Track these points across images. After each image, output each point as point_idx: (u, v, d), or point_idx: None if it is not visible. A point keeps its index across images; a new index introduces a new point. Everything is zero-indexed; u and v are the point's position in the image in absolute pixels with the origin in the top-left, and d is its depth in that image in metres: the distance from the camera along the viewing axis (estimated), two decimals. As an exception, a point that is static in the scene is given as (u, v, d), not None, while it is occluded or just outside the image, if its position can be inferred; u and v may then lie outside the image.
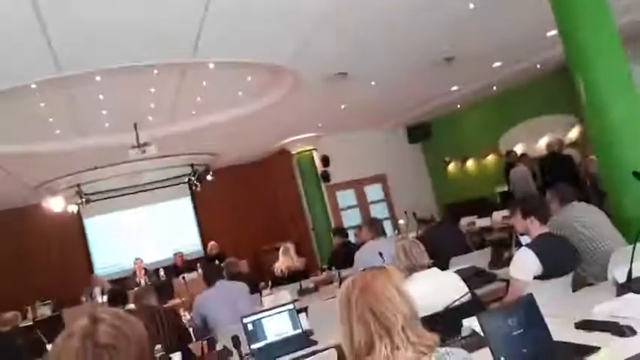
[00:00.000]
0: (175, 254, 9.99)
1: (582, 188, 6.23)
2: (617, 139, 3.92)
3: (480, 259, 4.23)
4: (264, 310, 3.40)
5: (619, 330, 1.84)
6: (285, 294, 4.60)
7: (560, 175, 5.65)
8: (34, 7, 3.19)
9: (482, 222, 7.82)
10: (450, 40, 5.86)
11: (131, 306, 3.97)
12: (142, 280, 9.08)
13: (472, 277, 3.46)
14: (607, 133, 3.99)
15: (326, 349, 2.81)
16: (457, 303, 2.61)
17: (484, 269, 3.81)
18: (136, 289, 4.27)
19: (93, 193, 9.58)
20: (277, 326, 3.29)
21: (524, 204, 3.00)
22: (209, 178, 9.76)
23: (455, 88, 8.56)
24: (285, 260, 6.17)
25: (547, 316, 1.94)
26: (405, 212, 7.07)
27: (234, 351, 3.03)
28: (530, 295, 2.04)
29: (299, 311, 3.47)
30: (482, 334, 1.93)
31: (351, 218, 10.43)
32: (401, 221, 8.67)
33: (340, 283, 5.04)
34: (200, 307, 4.25)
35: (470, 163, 10.71)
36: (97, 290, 8.58)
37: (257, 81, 6.34)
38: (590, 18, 4.00)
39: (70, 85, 4.90)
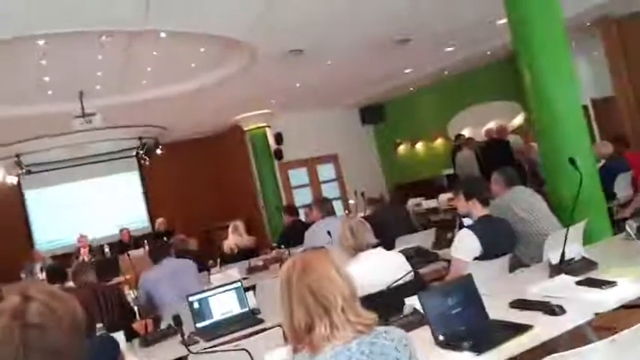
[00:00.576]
0: (121, 230, 9.71)
1: (521, 173, 6.51)
2: (558, 128, 4.10)
3: (425, 239, 4.36)
4: (211, 289, 3.38)
5: (550, 309, 1.95)
6: (233, 272, 4.58)
7: (497, 160, 5.85)
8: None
9: (428, 203, 8.08)
10: (405, 21, 5.90)
11: (71, 284, 3.84)
12: (85, 257, 8.80)
13: (415, 257, 3.57)
14: (549, 121, 4.16)
15: (273, 327, 2.83)
16: (400, 282, 2.68)
17: (427, 249, 3.94)
18: (73, 265, 4.11)
19: (34, 165, 9.11)
20: (224, 305, 3.27)
21: (467, 186, 3.11)
22: (158, 152, 9.50)
23: (408, 70, 8.67)
24: (234, 238, 6.13)
25: (484, 296, 2.03)
26: (355, 192, 7.17)
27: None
28: (469, 275, 2.13)
29: (246, 289, 3.47)
30: (422, 312, 2.01)
31: (303, 197, 10.46)
32: (351, 201, 8.80)
33: (290, 261, 5.08)
34: (145, 284, 4.16)
35: (420, 146, 10.96)
36: (37, 266, 8.24)
37: (211, 53, 6.16)
38: (538, 8, 4.12)
39: (11, 48, 4.58)
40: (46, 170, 9.86)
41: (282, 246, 5.75)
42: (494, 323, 1.96)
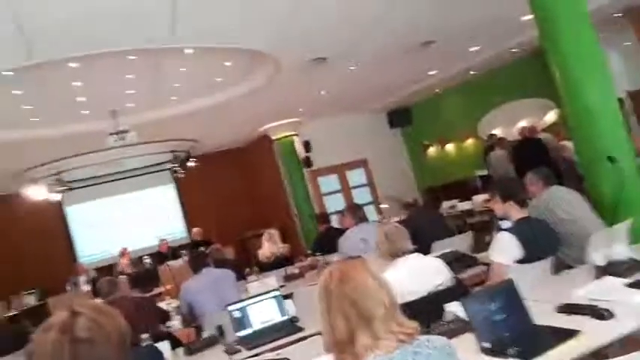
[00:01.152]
0: (160, 241, 9.95)
1: (557, 172, 6.35)
2: (592, 124, 3.98)
3: (461, 243, 4.30)
4: (249, 297, 3.42)
5: (598, 313, 1.89)
6: (270, 280, 4.62)
7: (531, 159, 5.70)
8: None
9: (463, 205, 7.93)
10: (428, 23, 5.87)
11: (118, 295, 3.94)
12: (126, 268, 9.05)
13: (454, 262, 3.51)
14: (581, 118, 4.04)
15: (312, 335, 2.84)
16: (440, 288, 2.65)
17: (465, 253, 3.88)
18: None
19: (74, 181, 9.43)
20: (263, 313, 3.31)
21: (503, 188, 3.04)
22: (191, 164, 9.68)
23: (433, 72, 8.60)
24: (269, 246, 6.18)
25: (528, 300, 1.99)
26: (388, 197, 7.12)
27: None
28: (511, 280, 2.09)
29: (285, 297, 3.50)
30: (465, 318, 1.99)
31: (334, 203, 10.46)
32: (384, 205, 8.75)
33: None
34: (186, 294, 4.25)
35: (450, 147, 10.82)
36: (81, 279, 8.53)
37: (236, 66, 6.27)
38: (562, 3, 4.03)
39: (45, 71, 4.78)
40: (85, 186, 10.19)
41: (317, 253, 5.78)
42: (540, 329, 1.92)
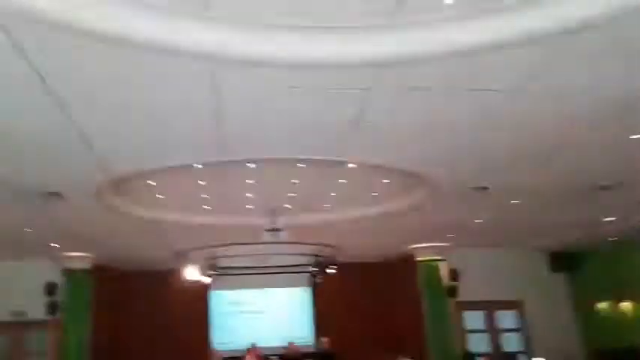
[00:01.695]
0: (289, 343, 9.95)
1: None
2: None
3: None
4: None
5: None
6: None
7: None
8: (217, 101, 3.70)
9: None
10: (608, 169, 5.40)
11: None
12: (253, 364, 9.09)
13: None
14: None
15: None
16: None
17: None
18: None
19: (223, 268, 10.15)
20: None
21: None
22: (331, 271, 9.78)
23: (609, 219, 7.70)
24: (398, 375, 5.73)
25: None
26: (548, 351, 6.15)
27: None
28: None
29: None
30: None
31: (477, 343, 9.48)
32: (539, 359, 7.65)
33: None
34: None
35: (626, 306, 9.23)
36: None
37: (393, 184, 6.42)
38: None
39: (227, 168, 5.46)
40: (232, 274, 10.87)
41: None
42: None
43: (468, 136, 4.46)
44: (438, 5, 2.81)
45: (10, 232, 7.01)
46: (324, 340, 9.74)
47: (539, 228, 8.32)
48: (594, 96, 3.79)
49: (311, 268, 10.51)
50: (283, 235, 7.05)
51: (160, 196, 6.54)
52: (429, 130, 4.35)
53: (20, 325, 8.85)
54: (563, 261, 10.11)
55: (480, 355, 7.19)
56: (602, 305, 9.66)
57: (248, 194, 6.74)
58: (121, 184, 5.78)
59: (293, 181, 6.26)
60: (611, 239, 8.93)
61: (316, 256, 9.82)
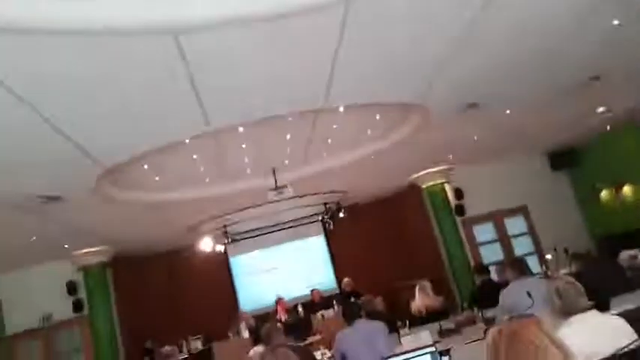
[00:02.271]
0: (312, 291, 10.29)
1: None
2: None
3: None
4: (405, 352, 3.31)
5: None
6: (424, 335, 4.43)
7: None
8: (189, 79, 3.64)
9: (648, 256, 6.79)
10: (594, 59, 5.36)
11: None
12: (283, 316, 9.48)
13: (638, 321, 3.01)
14: None
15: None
16: (626, 349, 2.28)
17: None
18: (263, 327, 4.42)
19: (237, 234, 10.36)
20: (419, 369, 3.17)
21: None
22: (341, 215, 9.98)
23: (602, 109, 7.72)
24: (422, 299, 5.98)
25: None
26: (555, 249, 6.37)
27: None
28: None
29: (441, 354, 3.32)
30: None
31: (491, 253, 9.80)
32: (548, 256, 7.92)
33: (485, 324, 4.73)
34: (340, 345, 4.28)
35: (627, 190, 9.46)
36: (242, 326, 9.13)
37: (385, 119, 6.41)
38: None
39: (217, 137, 5.44)
40: (246, 238, 11.12)
41: (474, 307, 5.41)
42: None
43: (446, 56, 4.39)
44: None
45: (21, 241, 7.07)
46: (346, 280, 10.05)
47: (535, 132, 8.37)
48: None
49: (321, 217, 10.72)
50: (288, 191, 7.12)
51: (158, 178, 6.55)
52: (405, 59, 4.28)
53: (49, 328, 9.11)
54: (564, 158, 10.24)
55: (492, 264, 7.44)
56: (604, 194, 9.89)
57: (245, 159, 6.74)
58: (117, 175, 5.77)
59: (287, 136, 6.25)
60: (607, 128, 8.99)
61: (324, 204, 9.99)
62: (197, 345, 9.84)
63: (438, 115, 6.04)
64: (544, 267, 7.98)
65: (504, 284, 4.78)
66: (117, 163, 5.17)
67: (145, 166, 5.82)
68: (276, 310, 9.83)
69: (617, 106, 7.60)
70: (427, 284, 6.18)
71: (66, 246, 8.24)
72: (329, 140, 6.80)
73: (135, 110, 4.04)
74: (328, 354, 4.85)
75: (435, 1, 3.37)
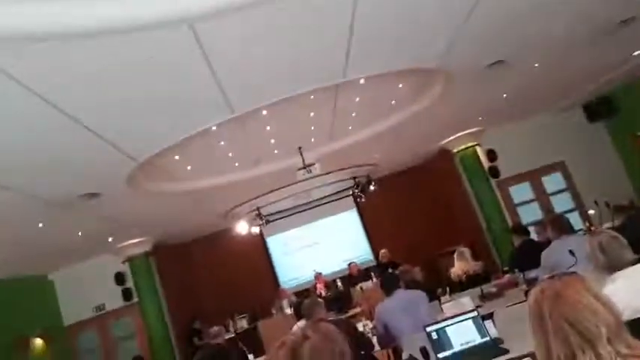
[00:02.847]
0: (349, 264, 10.38)
1: None
2: None
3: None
4: (446, 319, 3.31)
5: None
6: (466, 300, 4.41)
7: None
8: (209, 66, 3.65)
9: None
10: (623, 2, 5.05)
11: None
12: (322, 291, 9.62)
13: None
14: None
15: (521, 357, 2.61)
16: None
17: None
18: (304, 302, 4.49)
19: (271, 214, 10.50)
20: (463, 334, 3.18)
21: None
22: (372, 188, 9.94)
23: (637, 52, 7.33)
24: (461, 265, 5.94)
25: None
26: (596, 202, 6.15)
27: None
28: None
29: (484, 318, 3.31)
30: None
31: (530, 213, 9.60)
32: (591, 211, 7.69)
33: (528, 286, 4.67)
34: (382, 316, 4.32)
35: (671, 135, 9.03)
36: (284, 303, 9.33)
37: (409, 86, 6.29)
38: None
39: (242, 121, 5.47)
40: (280, 218, 11.26)
41: (515, 269, 5.34)
42: None
43: (469, 9, 4.22)
44: None
45: (69, 238, 7.37)
46: (383, 252, 10.08)
47: (566, 84, 8.03)
48: None
49: (352, 191, 10.71)
50: (316, 169, 7.14)
51: (190, 167, 6.67)
52: (426, 18, 4.14)
53: (103, 318, 9.57)
54: (600, 108, 9.75)
55: (531, 224, 7.29)
56: (646, 142, 9.46)
57: (271, 140, 6.78)
58: (150, 168, 5.91)
59: (310, 114, 6.23)
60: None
61: (354, 178, 9.96)
62: (243, 324, 10.13)
63: (463, 77, 5.87)
64: (586, 223, 7.78)
65: (546, 244, 4.69)
66: (149, 156, 5.28)
67: (177, 157, 5.93)
68: (316, 286, 9.99)
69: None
70: (465, 250, 6.12)
71: (110, 239, 8.54)
72: (353, 114, 6.75)
73: (160, 102, 4.09)
74: (370, 325, 4.90)
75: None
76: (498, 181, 9.76)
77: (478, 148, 9.68)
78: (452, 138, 9.55)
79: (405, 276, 5.48)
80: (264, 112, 5.34)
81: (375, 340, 4.47)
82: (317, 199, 11.12)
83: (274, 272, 11.92)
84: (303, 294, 10.16)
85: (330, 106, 6.16)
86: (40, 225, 6.16)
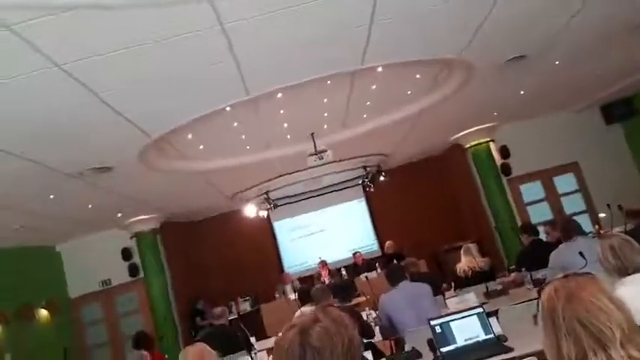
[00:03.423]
0: (354, 254, 10.40)
1: None
2: None
3: None
4: (451, 313, 3.30)
5: None
6: (471, 296, 4.41)
7: None
8: (228, 45, 3.62)
9: None
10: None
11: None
12: (326, 279, 9.65)
13: None
14: None
15: (524, 356, 2.60)
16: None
17: None
18: (314, 288, 4.54)
19: (279, 199, 10.52)
20: (467, 330, 3.17)
21: None
22: (382, 178, 9.90)
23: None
24: (467, 260, 5.91)
25: None
26: (609, 205, 6.07)
27: (431, 354, 3.00)
28: None
29: (489, 315, 3.30)
30: None
31: (539, 213, 9.50)
32: (602, 214, 7.60)
33: (534, 286, 4.64)
34: (385, 307, 4.31)
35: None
36: (288, 287, 9.38)
37: (426, 77, 6.21)
38: None
39: (257, 103, 5.44)
40: (288, 203, 11.29)
41: (522, 268, 5.31)
42: None
43: (488, 5, 4.14)
44: None
45: (78, 211, 7.44)
46: (389, 243, 10.07)
47: (585, 83, 7.89)
48: None
49: (361, 180, 10.69)
50: (328, 156, 7.11)
51: (202, 147, 6.67)
52: (446, 10, 4.07)
53: (108, 292, 9.69)
54: (618, 110, 9.56)
55: (541, 224, 7.23)
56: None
57: (284, 124, 6.75)
58: (163, 145, 5.91)
59: (324, 100, 6.18)
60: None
61: (364, 167, 9.93)
62: (246, 306, 10.22)
63: (482, 70, 5.79)
64: (597, 226, 7.69)
65: (555, 244, 4.65)
66: (162, 133, 5.28)
67: (190, 136, 5.93)
68: (320, 273, 10.03)
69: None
70: (472, 246, 6.09)
71: (119, 215, 8.61)
72: (368, 102, 6.69)
73: (177, 80, 4.08)
74: (374, 314, 4.90)
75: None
76: (509, 178, 9.67)
77: (491, 144, 9.57)
78: (465, 132, 9.45)
79: (410, 268, 5.48)
80: (279, 95, 5.30)
81: (377, 329, 4.48)
82: (326, 187, 11.12)
83: (279, 257, 11.98)
84: (307, 280, 10.21)
85: (345, 93, 6.10)
86: (52, 196, 6.22)
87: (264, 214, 10.42)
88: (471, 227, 10.57)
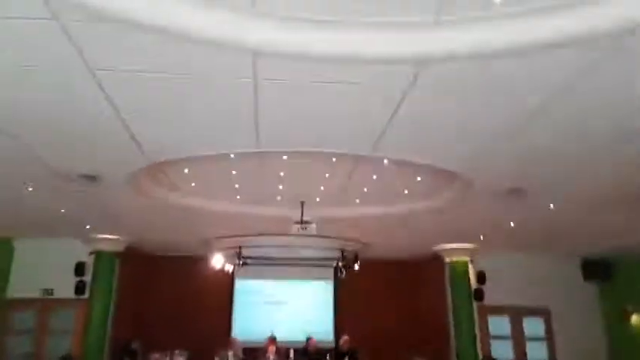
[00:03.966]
0: (308, 339, 9.98)
1: None
2: None
3: None
4: None
5: None
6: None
7: None
8: (254, 98, 3.71)
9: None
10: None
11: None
12: (271, 356, 9.18)
13: None
14: None
15: None
16: None
17: None
18: None
19: (250, 257, 10.24)
20: None
21: None
22: (356, 267, 9.74)
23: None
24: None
25: None
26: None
27: None
28: None
29: None
30: None
31: (501, 349, 9.31)
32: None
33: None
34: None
35: (660, 320, 8.91)
36: (230, 355, 8.87)
37: (426, 183, 6.33)
38: None
39: (261, 159, 5.48)
40: (258, 265, 10.97)
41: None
42: None
43: (506, 137, 4.33)
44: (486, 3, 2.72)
45: (45, 211, 7.20)
46: (345, 338, 9.72)
47: (574, 234, 8.08)
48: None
49: (336, 263, 10.50)
50: (312, 228, 7.06)
51: (193, 184, 6.62)
52: (466, 130, 4.25)
53: (48, 303, 9.12)
54: (598, 269, 9.73)
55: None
56: (635, 319, 9.33)
57: (280, 186, 6.76)
58: (157, 171, 5.86)
59: (326, 174, 6.24)
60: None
61: (342, 250, 9.81)
62: (180, 360, 9.59)
63: (480, 192, 5.93)
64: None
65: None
66: (162, 161, 5.25)
67: (186, 170, 5.90)
68: (267, 349, 9.55)
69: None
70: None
71: (87, 227, 8.34)
72: (365, 189, 6.76)
73: (198, 115, 4.12)
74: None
75: (516, 71, 3.30)
76: (480, 305, 9.57)
77: (470, 265, 9.58)
78: (447, 247, 9.50)
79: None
80: (285, 157, 5.35)
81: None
82: (300, 259, 10.90)
83: (231, 318, 11.46)
84: (252, 353, 9.70)
85: (346, 174, 6.18)
86: (30, 189, 6.05)
87: (230, 268, 10.10)
88: (430, 342, 10.29)
